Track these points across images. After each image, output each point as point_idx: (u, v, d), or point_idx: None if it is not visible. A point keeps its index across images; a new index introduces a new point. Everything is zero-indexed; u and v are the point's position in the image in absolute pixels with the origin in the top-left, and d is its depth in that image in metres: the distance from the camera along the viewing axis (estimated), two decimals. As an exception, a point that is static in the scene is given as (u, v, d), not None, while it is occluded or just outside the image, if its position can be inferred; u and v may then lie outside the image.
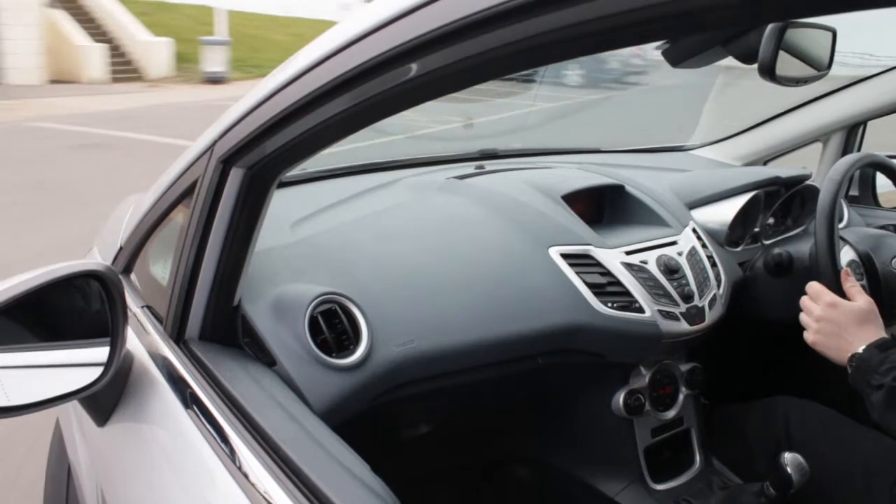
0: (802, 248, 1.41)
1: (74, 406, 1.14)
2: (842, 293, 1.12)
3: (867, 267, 1.36)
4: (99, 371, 0.87)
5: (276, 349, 0.95)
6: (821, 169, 1.88)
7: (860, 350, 1.03)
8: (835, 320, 1.08)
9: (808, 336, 1.11)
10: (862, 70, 1.80)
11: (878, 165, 1.36)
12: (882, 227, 1.56)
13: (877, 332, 1.07)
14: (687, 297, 1.27)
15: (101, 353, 0.87)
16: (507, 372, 1.17)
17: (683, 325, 1.26)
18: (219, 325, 0.90)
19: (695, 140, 2.15)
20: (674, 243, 1.35)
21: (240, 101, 0.78)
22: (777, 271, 1.42)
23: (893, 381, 0.98)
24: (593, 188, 1.44)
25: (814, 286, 1.14)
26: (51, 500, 1.51)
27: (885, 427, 1.02)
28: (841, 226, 1.53)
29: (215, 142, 0.83)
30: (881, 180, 1.89)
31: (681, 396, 1.42)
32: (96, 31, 13.15)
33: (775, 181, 1.58)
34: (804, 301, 1.14)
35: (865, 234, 1.43)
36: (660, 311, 1.24)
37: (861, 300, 1.10)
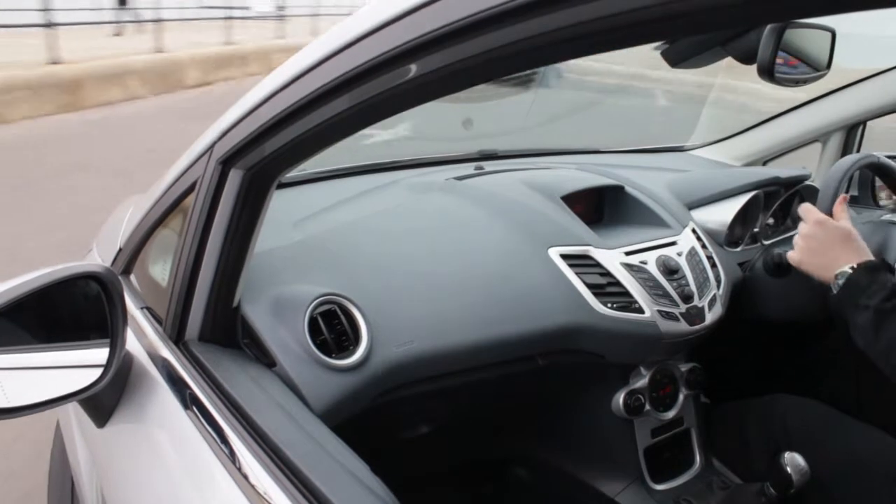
0: None
1: (74, 407, 1.14)
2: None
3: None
4: (98, 372, 0.87)
5: (275, 350, 0.95)
6: (820, 169, 1.88)
7: (847, 269, 1.04)
8: (820, 238, 1.09)
9: (794, 255, 1.12)
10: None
11: (878, 166, 1.36)
12: None
13: (860, 254, 1.07)
14: (686, 298, 1.27)
15: (100, 354, 0.87)
16: (507, 372, 1.17)
17: (683, 326, 1.26)
18: (218, 326, 0.90)
19: (694, 140, 2.15)
20: (673, 244, 1.35)
21: (239, 103, 0.78)
22: (776, 271, 1.42)
23: (881, 303, 0.97)
24: (593, 189, 1.44)
25: (805, 206, 1.14)
26: (55, 502, 1.50)
27: (868, 353, 1.01)
28: None
29: (214, 143, 0.83)
30: None
31: (681, 397, 1.42)
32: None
33: (775, 181, 1.58)
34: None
35: (873, 227, 1.41)
36: (659, 311, 1.24)
37: (846, 222, 1.11)
